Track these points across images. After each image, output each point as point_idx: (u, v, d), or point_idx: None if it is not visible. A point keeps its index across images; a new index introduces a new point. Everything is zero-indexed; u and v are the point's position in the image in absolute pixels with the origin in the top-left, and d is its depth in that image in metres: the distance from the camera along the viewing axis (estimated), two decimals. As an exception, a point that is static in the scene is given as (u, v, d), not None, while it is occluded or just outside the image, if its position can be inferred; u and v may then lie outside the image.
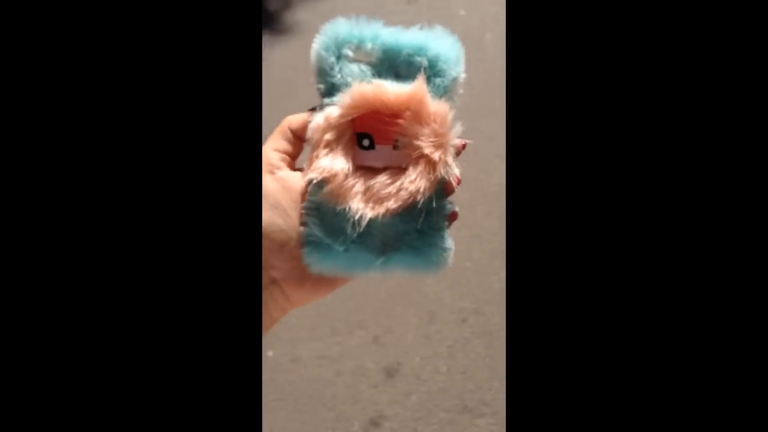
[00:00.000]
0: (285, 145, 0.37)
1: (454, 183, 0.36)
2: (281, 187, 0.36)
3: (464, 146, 0.37)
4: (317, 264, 0.36)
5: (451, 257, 0.36)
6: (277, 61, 2.01)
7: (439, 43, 0.36)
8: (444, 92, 0.36)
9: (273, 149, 0.37)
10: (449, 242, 0.36)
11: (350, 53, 0.36)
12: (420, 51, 0.36)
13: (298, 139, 0.37)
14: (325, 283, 0.37)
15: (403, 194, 0.35)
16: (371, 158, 0.37)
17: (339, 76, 0.36)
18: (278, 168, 0.36)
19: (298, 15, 2.20)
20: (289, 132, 0.37)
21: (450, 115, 0.35)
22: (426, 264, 0.36)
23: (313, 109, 0.37)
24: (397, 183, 0.35)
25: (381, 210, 0.35)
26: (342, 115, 0.35)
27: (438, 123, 0.34)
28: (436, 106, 0.35)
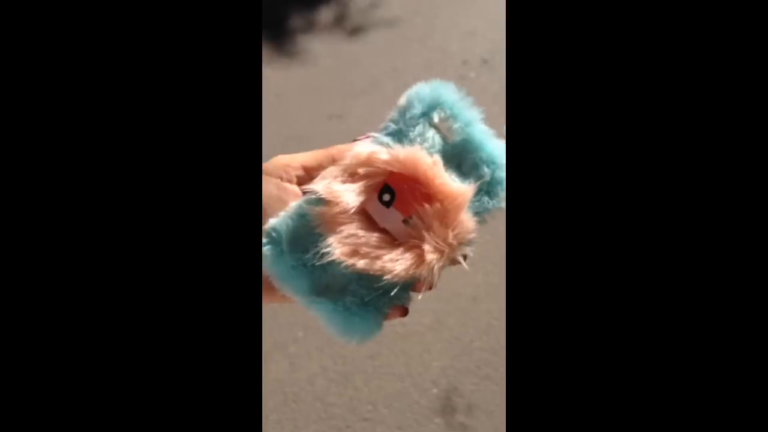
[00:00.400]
0: (313, 166, 0.36)
1: (424, 288, 0.35)
2: (278, 195, 0.35)
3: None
4: (265, 261, 0.35)
5: (370, 339, 0.36)
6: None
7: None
8: (481, 212, 0.35)
9: (301, 161, 0.36)
10: (379, 327, 0.36)
11: (436, 119, 0.35)
12: (492, 164, 0.35)
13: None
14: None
15: (377, 265, 0.34)
16: (379, 213, 0.35)
17: (412, 129, 0.35)
18: (289, 179, 0.36)
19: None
20: (329, 159, 0.36)
21: (470, 235, 0.34)
22: (345, 329, 0.35)
23: (359, 138, 0.36)
24: (381, 251, 0.34)
25: (349, 261, 0.34)
26: (385, 162, 0.34)
27: (456, 233, 0.34)
28: (466, 219, 0.34)
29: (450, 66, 1.97)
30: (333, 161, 0.36)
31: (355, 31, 2.26)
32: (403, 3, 2.30)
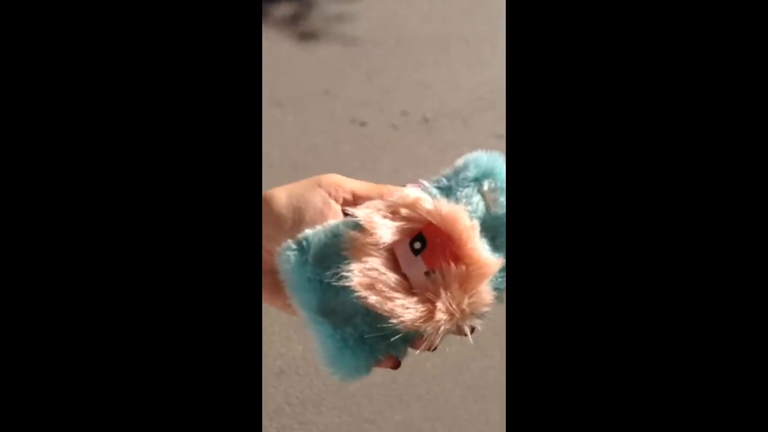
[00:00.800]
0: (362, 195, 0.37)
1: (423, 346, 0.35)
2: (321, 209, 0.36)
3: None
4: (281, 263, 0.35)
5: (354, 379, 0.36)
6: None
7: None
8: (501, 289, 0.36)
9: (352, 187, 0.37)
10: (367, 370, 0.36)
11: (486, 187, 0.36)
12: None
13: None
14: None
15: (388, 305, 0.34)
16: (406, 259, 0.36)
17: (461, 190, 0.36)
18: (336, 198, 0.36)
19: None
20: (378, 194, 0.37)
21: (484, 307, 0.35)
22: (335, 360, 0.35)
23: (411, 184, 0.37)
24: (395, 294, 0.35)
25: (363, 292, 0.34)
26: (428, 212, 0.35)
27: (471, 301, 0.34)
28: (485, 291, 0.35)
29: (386, 111, 1.93)
30: (381, 196, 0.36)
31: (307, 36, 2.22)
32: (372, 29, 2.25)
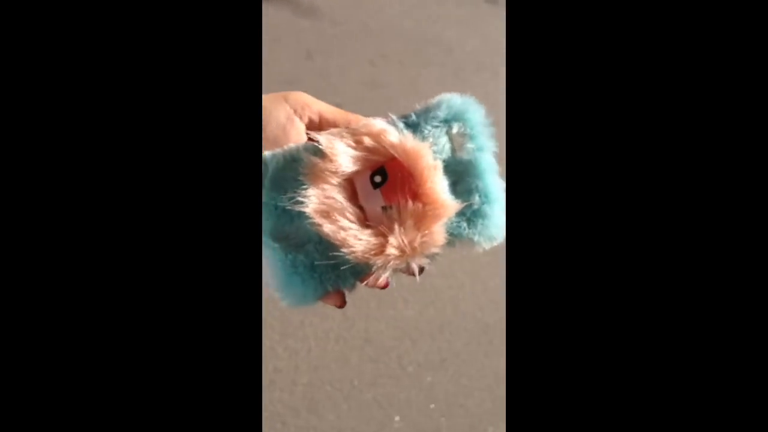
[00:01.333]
0: (328, 118, 0.36)
1: (373, 282, 0.35)
2: (284, 125, 0.35)
3: (386, 285, 0.36)
4: None
5: (301, 306, 0.36)
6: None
7: (497, 215, 0.36)
8: (455, 235, 0.35)
9: (320, 108, 0.36)
10: (314, 299, 0.36)
11: (455, 130, 0.36)
12: (485, 196, 0.35)
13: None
14: None
15: (341, 234, 0.34)
16: (365, 191, 0.36)
17: (429, 128, 0.36)
18: (301, 117, 0.36)
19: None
20: (345, 121, 0.36)
21: (435, 248, 0.34)
22: (284, 286, 0.35)
23: (385, 119, 0.36)
24: (350, 225, 0.34)
25: (317, 219, 0.34)
26: (391, 144, 0.34)
27: (423, 240, 0.34)
28: (439, 232, 0.34)
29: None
30: (348, 123, 0.36)
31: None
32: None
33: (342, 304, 0.36)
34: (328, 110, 0.36)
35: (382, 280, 0.35)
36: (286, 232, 0.35)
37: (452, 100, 0.36)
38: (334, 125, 0.36)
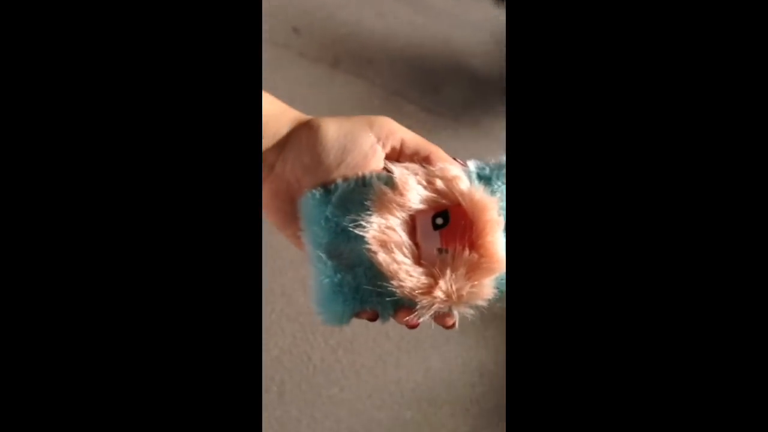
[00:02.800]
0: (411, 147, 0.37)
1: (409, 317, 0.35)
2: (365, 153, 0.36)
3: (416, 326, 0.36)
4: (310, 200, 0.36)
5: (335, 325, 0.36)
6: None
7: None
8: (502, 291, 0.36)
9: (403, 137, 0.36)
10: (348, 320, 0.36)
11: None
12: None
13: (413, 159, 0.37)
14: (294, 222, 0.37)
15: (393, 267, 0.35)
16: (424, 230, 0.36)
17: (499, 184, 0.37)
18: (383, 145, 0.36)
19: None
20: (424, 154, 0.37)
21: (481, 300, 0.35)
22: (324, 301, 0.36)
23: (459, 160, 0.37)
24: (404, 259, 0.35)
25: (374, 247, 0.35)
26: (461, 192, 0.35)
27: (471, 291, 0.34)
28: (488, 286, 0.35)
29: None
30: (427, 158, 0.36)
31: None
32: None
33: (374, 318, 0.37)
34: (412, 139, 0.36)
35: (416, 320, 0.35)
36: (340, 251, 0.36)
37: None
38: (415, 154, 0.36)
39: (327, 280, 0.36)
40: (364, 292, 0.36)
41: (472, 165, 0.37)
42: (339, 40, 1.53)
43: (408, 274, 0.34)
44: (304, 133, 0.36)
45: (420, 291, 0.34)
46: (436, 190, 0.36)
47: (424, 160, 0.36)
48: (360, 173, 0.36)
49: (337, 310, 0.36)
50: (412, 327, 0.36)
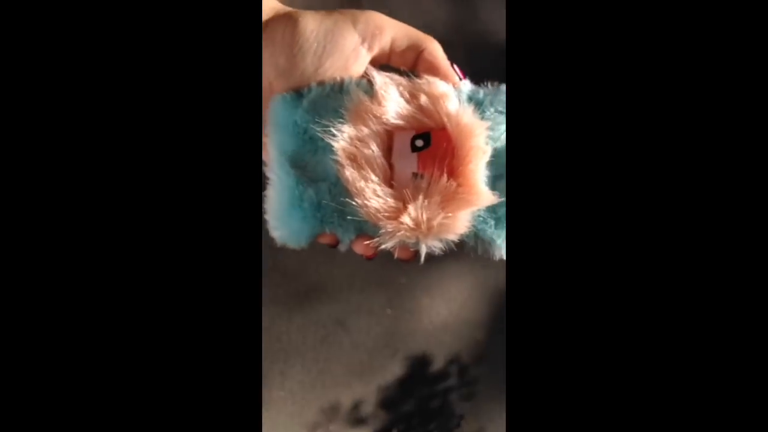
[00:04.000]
0: (401, 46, 0.32)
1: (370, 243, 0.32)
2: (348, 55, 0.32)
3: (373, 256, 0.33)
4: (273, 99, 0.32)
5: (291, 243, 0.32)
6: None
7: None
8: (477, 230, 0.32)
9: (393, 35, 0.32)
10: (307, 240, 0.32)
11: None
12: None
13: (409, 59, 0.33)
14: None
15: (359, 185, 0.31)
16: (401, 150, 0.32)
17: (491, 111, 0.33)
18: (370, 46, 0.32)
19: None
20: (417, 48, 0.32)
21: (452, 233, 0.31)
22: (282, 215, 0.32)
23: (456, 67, 0.33)
24: (373, 177, 0.31)
25: (342, 159, 0.31)
26: (447, 113, 0.31)
27: (443, 221, 0.31)
28: (462, 219, 0.31)
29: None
30: (420, 54, 0.32)
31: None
32: None
33: (335, 245, 0.33)
34: (403, 36, 0.32)
35: (372, 251, 0.32)
36: (305, 162, 0.33)
37: None
38: (408, 52, 0.32)
39: (287, 192, 0.32)
40: (326, 209, 0.32)
41: (466, 85, 0.33)
42: None
43: (375, 194, 0.31)
44: (280, 29, 0.32)
45: (386, 214, 0.31)
46: (419, 107, 0.32)
47: (417, 60, 0.32)
48: (338, 78, 0.32)
49: (295, 227, 0.32)
50: (370, 258, 0.32)
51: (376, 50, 0.32)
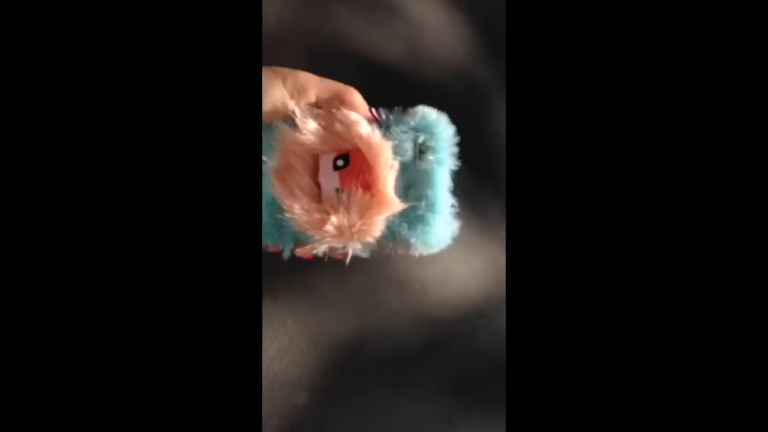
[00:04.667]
0: (326, 103, 0.38)
1: (303, 252, 0.38)
2: (278, 111, 0.38)
3: (311, 258, 0.39)
4: None
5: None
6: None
7: (437, 227, 0.38)
8: (394, 233, 0.38)
9: (321, 94, 0.38)
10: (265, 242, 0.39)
11: (420, 140, 0.38)
12: (431, 207, 0.38)
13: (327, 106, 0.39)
14: None
15: (288, 201, 0.37)
16: (325, 170, 0.39)
17: (397, 131, 0.38)
18: (297, 102, 0.38)
19: None
20: (338, 99, 0.38)
21: (370, 236, 0.37)
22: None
23: (373, 109, 0.39)
24: (301, 193, 0.38)
25: (272, 178, 0.38)
26: (359, 136, 0.37)
27: (361, 226, 0.37)
28: (379, 224, 0.37)
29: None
30: (342, 103, 0.38)
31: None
32: None
33: (280, 251, 0.39)
34: (325, 90, 0.38)
35: (309, 254, 0.38)
36: None
37: (427, 112, 0.39)
38: (332, 103, 0.38)
39: None
40: (266, 226, 0.38)
41: (381, 113, 0.39)
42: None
43: (303, 208, 0.37)
44: None
45: (314, 224, 0.37)
46: (336, 134, 0.38)
47: (341, 104, 0.39)
48: (268, 121, 0.39)
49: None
50: (309, 259, 0.39)
51: (303, 103, 0.38)
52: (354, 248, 0.37)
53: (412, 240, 0.38)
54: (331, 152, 0.39)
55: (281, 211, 0.38)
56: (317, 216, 0.37)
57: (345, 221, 0.37)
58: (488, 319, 0.95)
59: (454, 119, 0.39)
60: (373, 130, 0.38)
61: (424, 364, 0.90)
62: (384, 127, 0.39)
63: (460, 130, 0.39)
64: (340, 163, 0.38)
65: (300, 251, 0.38)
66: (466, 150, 0.40)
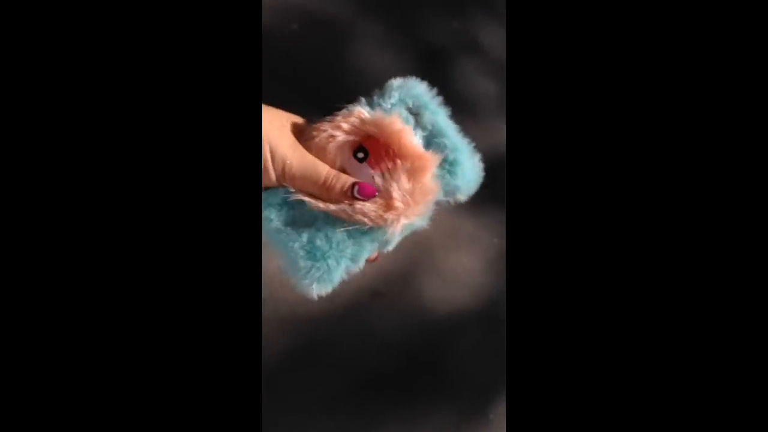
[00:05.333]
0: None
1: (376, 254, 0.38)
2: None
3: (376, 259, 0.39)
4: None
5: (323, 282, 0.37)
6: None
7: (469, 162, 0.39)
8: (444, 185, 0.39)
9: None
10: (337, 270, 0.37)
11: (410, 104, 0.40)
12: (455, 149, 0.39)
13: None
14: None
15: (347, 210, 0.37)
16: (351, 168, 0.39)
17: (388, 106, 0.40)
18: (275, 167, 0.38)
19: None
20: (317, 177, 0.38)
21: (432, 195, 0.38)
22: (302, 266, 0.37)
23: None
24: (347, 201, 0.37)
25: (313, 204, 0.37)
26: (367, 121, 0.38)
27: (420, 188, 0.37)
28: (431, 181, 0.37)
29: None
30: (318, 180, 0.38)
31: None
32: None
33: (375, 258, 0.39)
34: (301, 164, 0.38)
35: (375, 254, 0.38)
36: (293, 217, 0.38)
37: (395, 82, 0.40)
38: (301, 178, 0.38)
39: (296, 244, 0.37)
40: (336, 239, 0.37)
41: (364, 102, 0.40)
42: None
43: (363, 205, 0.37)
44: None
45: (383, 208, 0.37)
46: (344, 131, 0.39)
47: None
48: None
49: (322, 266, 0.37)
50: (373, 260, 0.39)
51: (279, 170, 0.38)
52: (417, 222, 0.38)
53: (459, 183, 0.39)
54: (348, 153, 0.39)
55: (339, 223, 0.38)
56: (381, 202, 0.37)
57: (405, 193, 0.37)
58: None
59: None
60: (373, 112, 0.39)
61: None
62: (376, 107, 0.40)
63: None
64: (360, 155, 0.39)
65: (375, 257, 0.39)
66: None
